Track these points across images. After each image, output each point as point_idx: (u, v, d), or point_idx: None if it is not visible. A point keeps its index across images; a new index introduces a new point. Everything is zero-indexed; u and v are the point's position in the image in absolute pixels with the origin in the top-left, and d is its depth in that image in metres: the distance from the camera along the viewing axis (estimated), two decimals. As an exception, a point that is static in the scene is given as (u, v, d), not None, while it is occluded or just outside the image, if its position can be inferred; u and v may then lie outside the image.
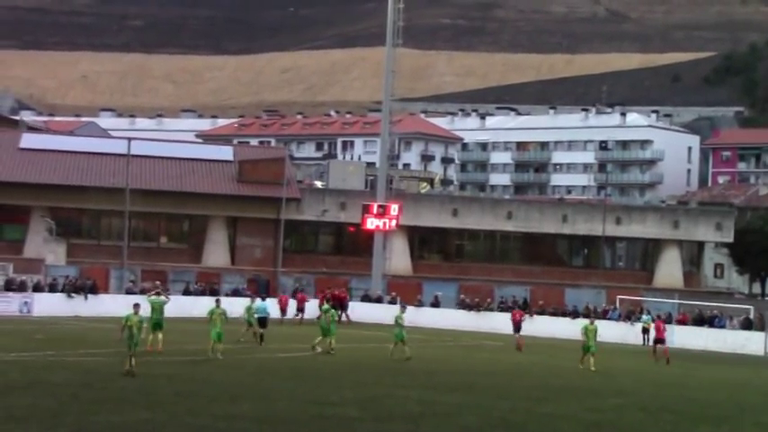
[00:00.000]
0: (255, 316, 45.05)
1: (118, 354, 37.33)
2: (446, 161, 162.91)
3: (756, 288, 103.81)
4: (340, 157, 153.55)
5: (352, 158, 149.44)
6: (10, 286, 61.90)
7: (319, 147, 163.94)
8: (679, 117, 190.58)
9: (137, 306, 33.07)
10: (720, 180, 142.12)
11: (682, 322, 63.68)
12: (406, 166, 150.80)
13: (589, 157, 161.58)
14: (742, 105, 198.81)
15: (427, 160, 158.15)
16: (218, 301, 38.49)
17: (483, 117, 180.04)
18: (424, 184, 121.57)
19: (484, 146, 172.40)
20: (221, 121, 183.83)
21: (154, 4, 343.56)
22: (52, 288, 63.07)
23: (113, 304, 61.81)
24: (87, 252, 75.55)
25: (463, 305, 67.59)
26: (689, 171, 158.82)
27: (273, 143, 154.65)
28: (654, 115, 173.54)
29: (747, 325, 62.15)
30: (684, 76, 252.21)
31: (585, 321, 43.44)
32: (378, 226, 71.08)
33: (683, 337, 61.41)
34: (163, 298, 42.01)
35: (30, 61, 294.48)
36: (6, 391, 26.85)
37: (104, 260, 73.07)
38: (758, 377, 45.24)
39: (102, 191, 75.46)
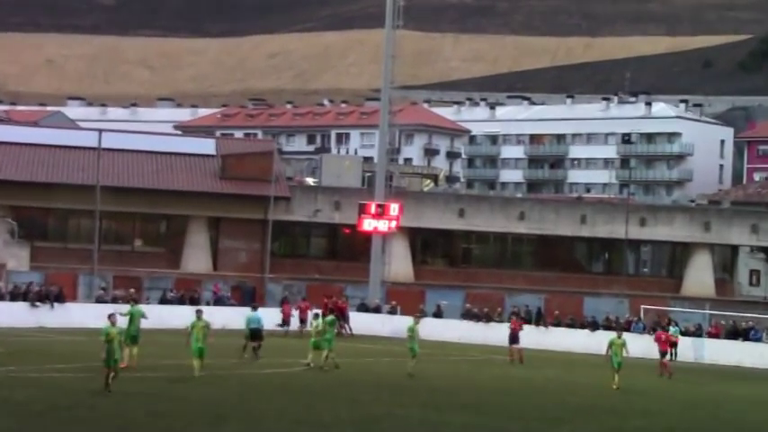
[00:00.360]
0: (249, 327, 45.19)
1: (87, 369, 37.30)
2: (452, 156, 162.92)
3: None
4: (334, 151, 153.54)
5: (347, 153, 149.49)
6: (-33, 294, 61.94)
7: (311, 140, 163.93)
8: (710, 107, 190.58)
9: (113, 316, 32.91)
10: (756, 177, 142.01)
11: (714, 335, 63.62)
12: (408, 161, 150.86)
13: (610, 151, 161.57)
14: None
15: (431, 155, 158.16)
16: (199, 312, 38.40)
17: (493, 107, 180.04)
18: (428, 181, 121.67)
19: (494, 139, 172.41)
20: (202, 111, 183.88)
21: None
22: (14, 296, 63.00)
23: (82, 314, 61.84)
24: (53, 256, 75.44)
25: (469, 315, 67.55)
26: (721, 167, 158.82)
27: (260, 135, 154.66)
28: (682, 105, 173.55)
29: (786, 338, 62.20)
30: (717, 61, 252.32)
31: (612, 335, 43.37)
32: (376, 228, 71.07)
33: (715, 352, 61.41)
34: (142, 308, 42.05)
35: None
36: (-37, 411, 26.85)
37: (72, 265, 73.00)
38: (798, 396, 45.25)
39: (69, 188, 75.39)
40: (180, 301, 66.36)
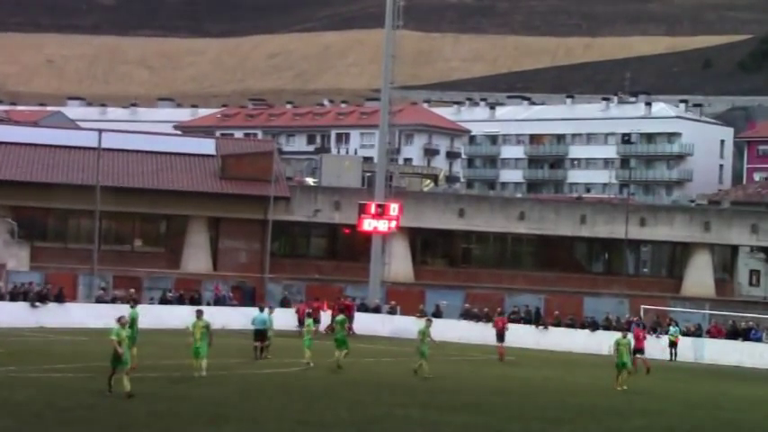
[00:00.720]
0: (254, 328, 45.20)
1: (87, 369, 37.31)
2: (452, 156, 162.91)
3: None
4: (334, 151, 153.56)
5: (347, 153, 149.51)
6: (-34, 294, 61.96)
7: (311, 140, 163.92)
8: (710, 107, 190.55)
9: (123, 318, 32.83)
10: (756, 177, 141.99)
11: (714, 335, 63.63)
12: (408, 161, 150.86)
13: (610, 151, 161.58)
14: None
15: (431, 155, 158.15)
16: (199, 312, 38.34)
17: (493, 107, 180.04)
18: (428, 181, 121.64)
19: (494, 139, 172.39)
20: (202, 111, 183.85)
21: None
22: (14, 296, 63.01)
23: (82, 314, 61.91)
24: (53, 256, 75.44)
25: (468, 315, 67.52)
26: (721, 167, 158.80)
27: (260, 136, 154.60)
28: (682, 105, 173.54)
29: (786, 338, 62.20)
30: (717, 61, 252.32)
31: (617, 335, 43.22)
32: (376, 228, 71.05)
33: (715, 352, 61.42)
34: (138, 309, 42.04)
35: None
36: (-37, 411, 26.85)
37: (72, 265, 72.98)
38: (798, 396, 45.24)
39: (69, 188, 75.39)
40: (179, 300, 66.35)
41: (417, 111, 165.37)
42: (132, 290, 64.29)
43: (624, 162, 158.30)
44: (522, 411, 32.73)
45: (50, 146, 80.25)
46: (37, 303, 61.84)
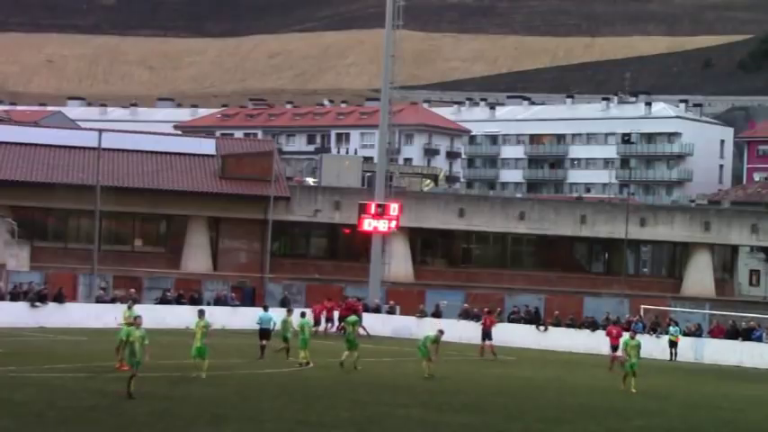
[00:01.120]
0: (259, 327, 45.18)
1: (87, 369, 37.31)
2: (452, 156, 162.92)
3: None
4: (334, 151, 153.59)
5: (347, 153, 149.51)
6: (-34, 294, 61.88)
7: (311, 140, 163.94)
8: (711, 107, 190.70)
9: (138, 319, 32.75)
10: (756, 177, 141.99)
11: (715, 335, 63.57)
12: (408, 161, 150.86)
13: (610, 151, 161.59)
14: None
15: (431, 155, 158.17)
16: (201, 312, 38.29)
17: (493, 107, 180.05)
18: (428, 181, 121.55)
19: (494, 139, 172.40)
20: (202, 111, 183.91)
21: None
22: (14, 296, 62.99)
23: (82, 314, 61.88)
24: (53, 256, 75.43)
25: (466, 315, 67.51)
26: (721, 167, 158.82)
27: (260, 136, 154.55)
28: (682, 105, 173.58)
29: (787, 338, 62.13)
30: (717, 61, 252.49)
31: (625, 336, 43.08)
32: (376, 228, 71.02)
33: (715, 352, 61.36)
34: (135, 310, 41.94)
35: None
36: (-38, 411, 26.84)
37: (72, 265, 72.95)
38: (798, 396, 45.22)
39: (69, 188, 75.35)
40: (178, 300, 66.32)
41: (417, 111, 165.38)
42: (132, 290, 64.28)
43: (624, 162, 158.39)
44: (522, 411, 32.72)
45: (50, 146, 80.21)
46: (37, 303, 61.80)
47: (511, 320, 66.89)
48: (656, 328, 63.93)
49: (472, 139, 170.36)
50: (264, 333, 45.35)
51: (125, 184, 77.32)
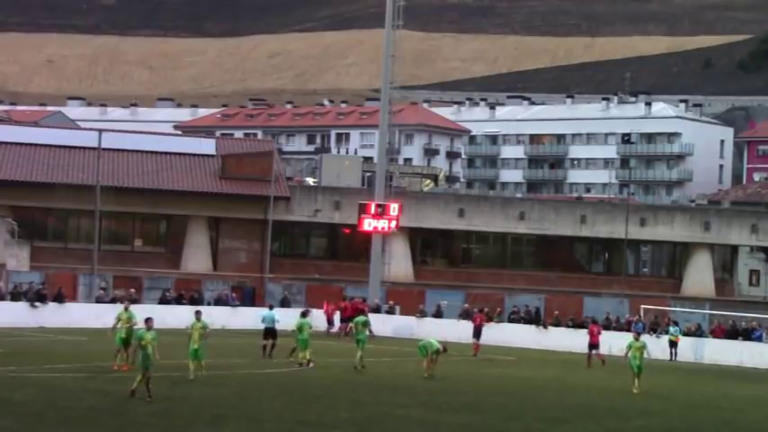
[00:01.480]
0: (263, 326, 45.17)
1: (87, 369, 37.32)
2: (452, 156, 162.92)
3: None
4: (334, 151, 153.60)
5: (347, 153, 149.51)
6: (-34, 294, 61.88)
7: (311, 140, 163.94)
8: (710, 107, 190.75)
9: (150, 321, 32.68)
10: (756, 177, 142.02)
11: (716, 335, 63.55)
12: (408, 161, 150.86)
13: (610, 151, 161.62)
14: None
15: (431, 155, 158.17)
16: (198, 313, 38.27)
17: (493, 107, 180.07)
18: (428, 181, 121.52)
19: (494, 139, 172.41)
20: (202, 111, 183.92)
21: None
22: (14, 296, 62.99)
23: (82, 314, 61.87)
24: (53, 256, 75.42)
25: (467, 316, 67.50)
26: (721, 167, 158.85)
27: (260, 136, 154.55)
28: (682, 105, 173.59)
29: (787, 338, 62.13)
30: (717, 61, 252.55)
31: (629, 338, 43.01)
32: (376, 228, 71.04)
33: (715, 352, 61.33)
34: (132, 311, 41.83)
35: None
36: (-38, 411, 26.84)
37: (72, 265, 72.96)
38: (798, 396, 45.22)
39: (69, 188, 75.35)
40: (178, 300, 66.30)
41: (417, 111, 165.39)
42: (132, 290, 64.28)
43: (624, 162, 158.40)
44: (522, 411, 32.73)
45: (50, 146, 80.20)
46: (37, 303, 61.81)
47: (511, 320, 66.91)
48: (655, 328, 63.94)
49: (472, 139, 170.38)
50: (270, 332, 45.28)
51: (125, 184, 77.31)
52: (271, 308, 48.16)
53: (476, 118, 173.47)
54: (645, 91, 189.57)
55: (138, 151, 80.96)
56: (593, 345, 53.01)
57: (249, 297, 72.56)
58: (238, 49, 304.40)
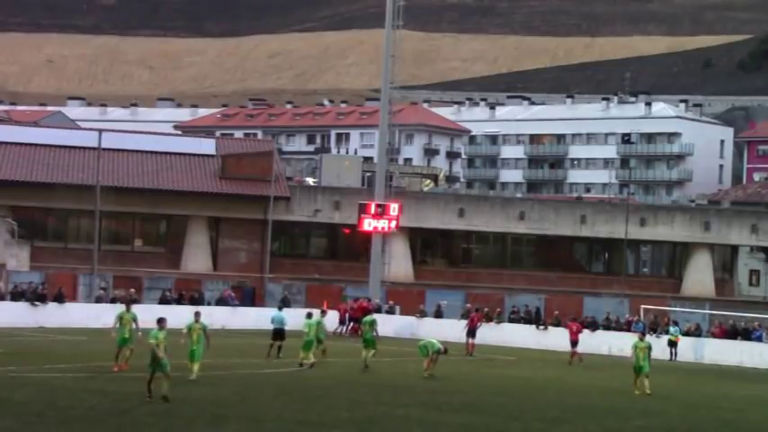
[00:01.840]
0: (273, 327, 45.15)
1: (87, 369, 37.32)
2: (452, 156, 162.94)
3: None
4: (334, 151, 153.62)
5: (347, 153, 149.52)
6: (-34, 294, 61.89)
7: (311, 140, 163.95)
8: (710, 107, 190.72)
9: (163, 321, 32.58)
10: (756, 177, 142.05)
11: (716, 335, 63.54)
12: (408, 161, 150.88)
13: (610, 151, 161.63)
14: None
15: (431, 155, 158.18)
16: (197, 314, 38.15)
17: (493, 107, 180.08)
18: (428, 181, 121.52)
19: (494, 139, 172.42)
20: (202, 111, 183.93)
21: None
22: (14, 296, 62.99)
23: (82, 314, 61.86)
24: (53, 256, 75.41)
25: (468, 316, 67.48)
26: (721, 167, 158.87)
27: (260, 136, 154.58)
28: (682, 105, 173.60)
29: (787, 338, 62.13)
30: (717, 61, 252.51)
31: (635, 338, 42.93)
32: (376, 228, 71.04)
33: (715, 352, 61.33)
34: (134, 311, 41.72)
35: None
36: (-38, 411, 26.84)
37: (72, 265, 72.96)
38: (798, 396, 45.23)
39: (69, 188, 75.36)
40: (177, 300, 66.29)
41: (417, 111, 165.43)
42: (132, 290, 64.27)
43: (624, 162, 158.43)
44: (522, 411, 32.73)
45: (50, 146, 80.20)
46: (37, 303, 61.81)
47: (511, 320, 66.91)
48: (655, 328, 63.94)
49: (472, 139, 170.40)
50: (279, 333, 45.15)
51: (125, 184, 77.31)
52: (280, 308, 48.03)
53: (476, 118, 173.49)
54: (645, 91, 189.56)
55: (138, 151, 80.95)
56: (574, 342, 53.86)
57: (249, 297, 72.56)
58: (238, 49, 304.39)
